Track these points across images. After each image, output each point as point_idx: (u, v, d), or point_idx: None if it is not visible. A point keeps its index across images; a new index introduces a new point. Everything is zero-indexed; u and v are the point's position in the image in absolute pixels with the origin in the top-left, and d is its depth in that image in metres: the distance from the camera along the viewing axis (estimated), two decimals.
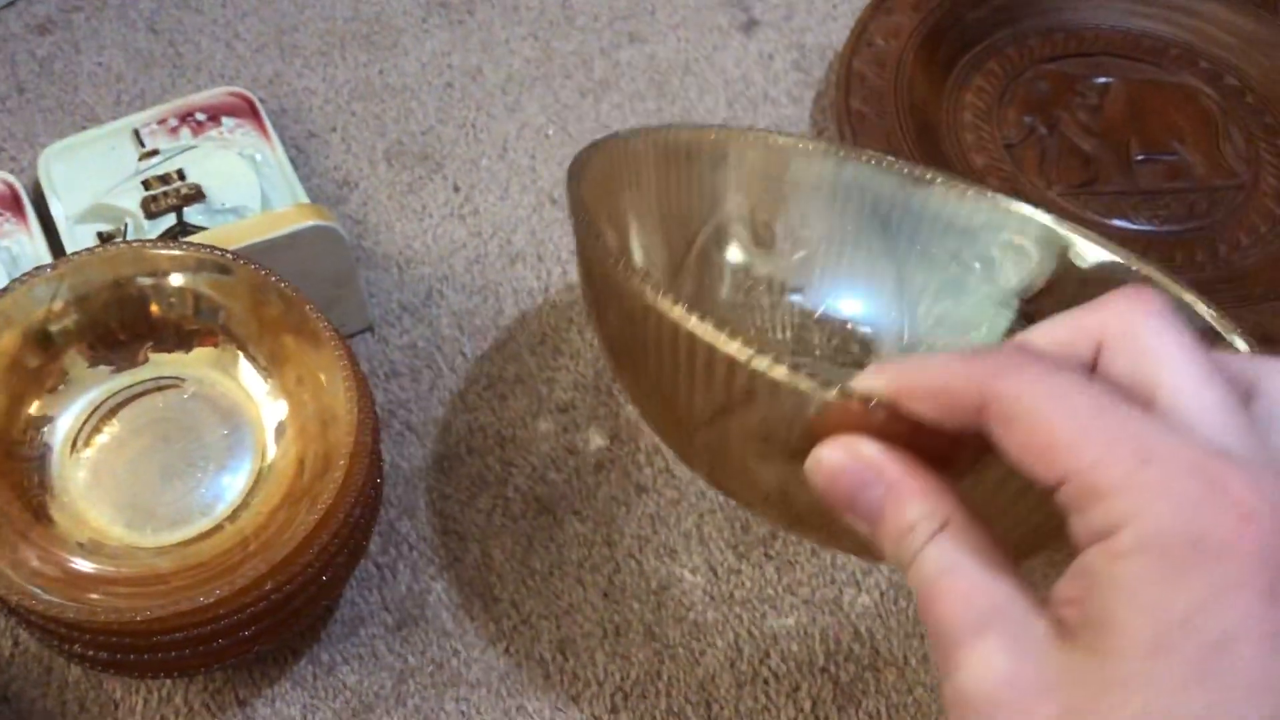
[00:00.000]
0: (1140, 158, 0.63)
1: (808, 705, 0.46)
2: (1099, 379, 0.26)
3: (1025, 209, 0.48)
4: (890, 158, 0.49)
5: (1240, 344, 0.41)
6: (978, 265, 0.49)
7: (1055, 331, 0.28)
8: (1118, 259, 0.46)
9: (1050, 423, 0.24)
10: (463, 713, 0.46)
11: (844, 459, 0.28)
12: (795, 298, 0.51)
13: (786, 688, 0.47)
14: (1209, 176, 0.62)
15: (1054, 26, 0.67)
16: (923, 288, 0.50)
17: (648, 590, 0.49)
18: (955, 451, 0.28)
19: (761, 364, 0.31)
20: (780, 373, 0.30)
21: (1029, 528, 0.31)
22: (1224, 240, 0.60)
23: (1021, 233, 0.48)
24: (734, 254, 0.50)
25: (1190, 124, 0.64)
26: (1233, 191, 0.62)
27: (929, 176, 0.49)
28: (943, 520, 0.27)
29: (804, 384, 0.30)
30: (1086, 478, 0.24)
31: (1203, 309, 0.43)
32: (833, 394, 0.29)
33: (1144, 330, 0.26)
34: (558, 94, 0.65)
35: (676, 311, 0.33)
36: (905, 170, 0.49)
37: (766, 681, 0.47)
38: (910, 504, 0.27)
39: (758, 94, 0.66)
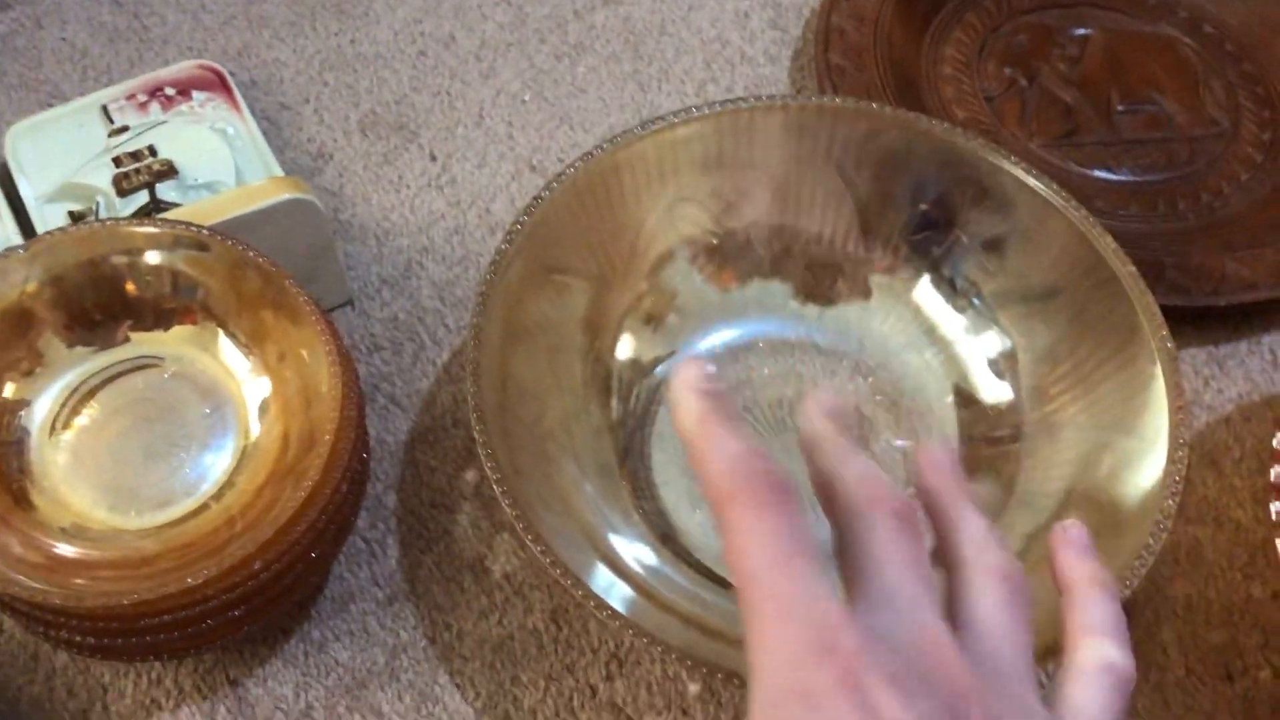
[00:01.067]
0: (1121, 108, 0.62)
1: None
2: None
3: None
4: None
5: None
6: None
7: None
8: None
9: None
10: (457, 685, 0.46)
11: None
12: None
13: None
14: (1189, 125, 0.62)
15: None
16: None
17: None
18: None
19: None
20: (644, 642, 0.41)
21: None
22: (1205, 188, 0.60)
23: None
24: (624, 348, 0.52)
25: (1170, 73, 0.64)
26: (1213, 140, 0.62)
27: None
28: None
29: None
30: None
31: None
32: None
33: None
34: (532, 59, 0.64)
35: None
36: None
37: None
38: None
39: (734, 54, 0.65)
